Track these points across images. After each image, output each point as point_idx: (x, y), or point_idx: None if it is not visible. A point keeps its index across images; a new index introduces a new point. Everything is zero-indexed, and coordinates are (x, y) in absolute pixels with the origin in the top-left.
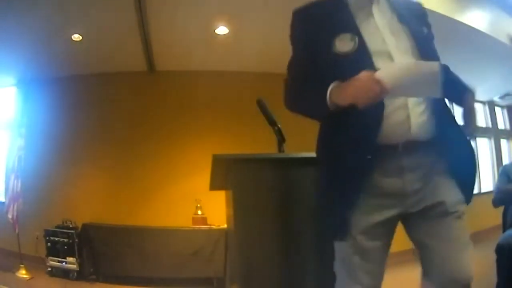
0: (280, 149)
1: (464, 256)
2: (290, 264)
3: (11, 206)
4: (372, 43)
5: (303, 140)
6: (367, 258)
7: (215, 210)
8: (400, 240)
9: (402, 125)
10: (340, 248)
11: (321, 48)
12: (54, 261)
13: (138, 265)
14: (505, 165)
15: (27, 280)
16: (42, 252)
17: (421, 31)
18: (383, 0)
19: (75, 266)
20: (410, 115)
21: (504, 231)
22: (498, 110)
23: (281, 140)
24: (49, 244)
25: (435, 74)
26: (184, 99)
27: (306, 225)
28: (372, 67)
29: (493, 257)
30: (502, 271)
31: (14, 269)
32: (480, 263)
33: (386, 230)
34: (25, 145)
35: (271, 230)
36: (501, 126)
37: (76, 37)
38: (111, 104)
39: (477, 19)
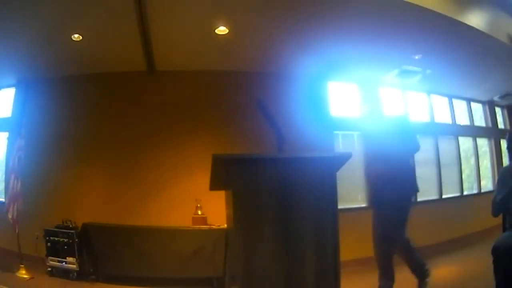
0: (280, 149)
1: None
2: (290, 264)
3: (11, 206)
4: None
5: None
6: None
7: (215, 210)
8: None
9: None
10: None
11: None
12: (54, 261)
13: (138, 265)
14: (503, 172)
15: (27, 280)
16: (42, 252)
17: None
18: None
19: (75, 266)
20: None
21: (504, 231)
22: (498, 110)
23: (281, 140)
24: (49, 244)
25: None
26: (184, 99)
27: (306, 224)
28: None
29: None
30: (499, 273)
31: (14, 269)
32: (479, 263)
33: None
34: (25, 145)
35: (271, 230)
36: (501, 126)
37: (76, 37)
38: (111, 104)
39: (477, 19)
